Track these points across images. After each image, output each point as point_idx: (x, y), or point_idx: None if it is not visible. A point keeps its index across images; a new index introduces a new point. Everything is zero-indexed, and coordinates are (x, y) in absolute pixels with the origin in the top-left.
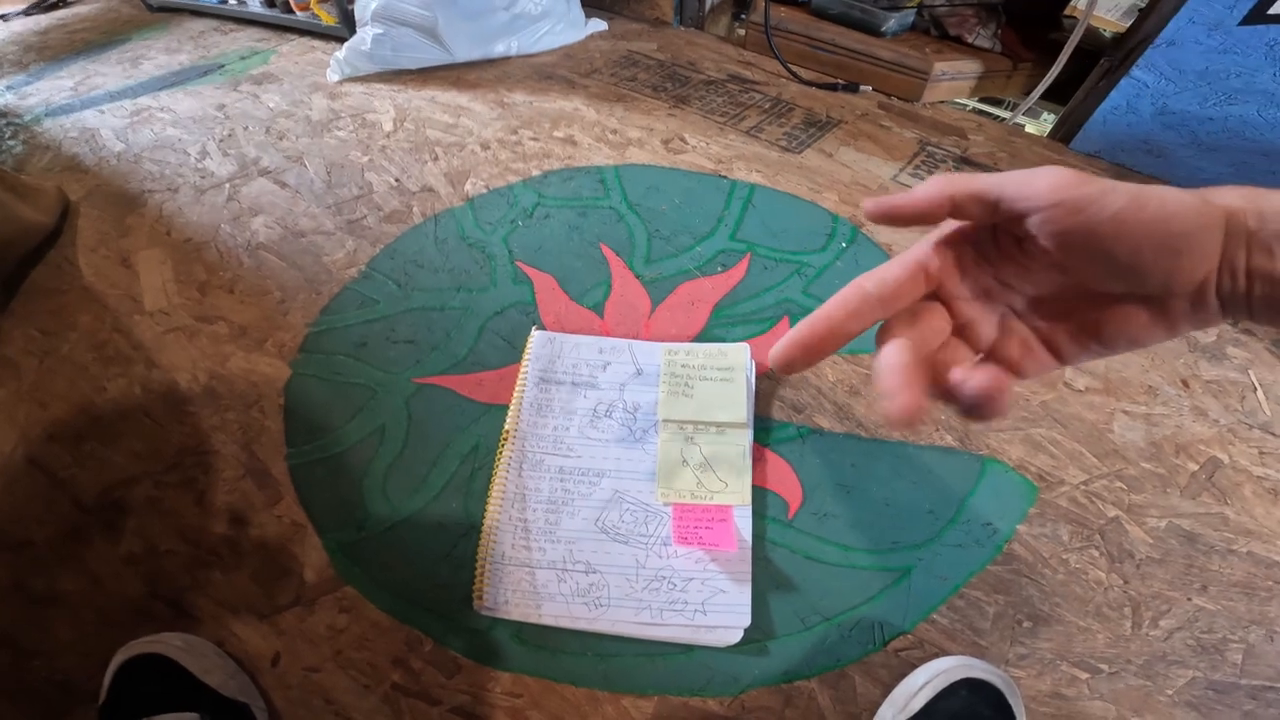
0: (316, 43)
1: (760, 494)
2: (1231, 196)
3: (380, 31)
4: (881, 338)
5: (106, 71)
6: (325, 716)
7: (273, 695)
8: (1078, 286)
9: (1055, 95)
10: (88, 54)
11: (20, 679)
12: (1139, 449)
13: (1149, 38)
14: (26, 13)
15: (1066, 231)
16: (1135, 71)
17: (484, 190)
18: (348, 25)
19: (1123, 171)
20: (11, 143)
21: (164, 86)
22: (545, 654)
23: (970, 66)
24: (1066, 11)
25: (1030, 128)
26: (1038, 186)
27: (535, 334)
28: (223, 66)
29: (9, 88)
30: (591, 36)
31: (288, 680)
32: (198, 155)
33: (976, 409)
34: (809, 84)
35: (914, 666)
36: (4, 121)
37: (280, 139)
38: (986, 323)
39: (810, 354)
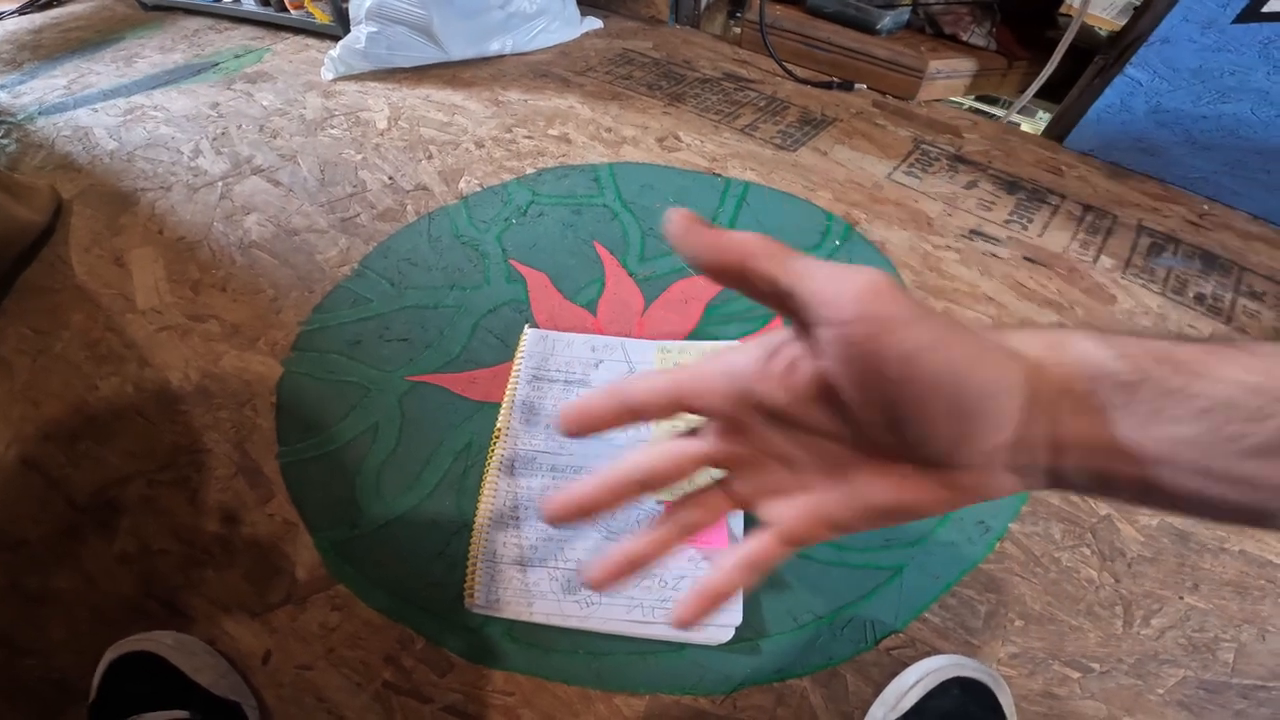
0: (311, 41)
1: None
2: (1035, 345)
3: (375, 30)
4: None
5: (100, 70)
6: (317, 714)
7: (264, 693)
8: (857, 446)
9: (1050, 94)
10: (82, 52)
11: (14, 677)
12: None
13: (1143, 36)
14: (21, 11)
15: (857, 355)
16: (1129, 69)
17: (478, 188)
18: (342, 23)
19: (1117, 170)
20: (4, 141)
21: (157, 85)
22: (537, 652)
23: (965, 65)
24: (1061, 10)
25: (1026, 126)
26: (844, 294)
27: (528, 332)
28: (216, 65)
29: (2, 86)
30: (587, 34)
31: (279, 678)
32: (191, 154)
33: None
34: (804, 82)
35: (906, 665)
36: None
37: (274, 137)
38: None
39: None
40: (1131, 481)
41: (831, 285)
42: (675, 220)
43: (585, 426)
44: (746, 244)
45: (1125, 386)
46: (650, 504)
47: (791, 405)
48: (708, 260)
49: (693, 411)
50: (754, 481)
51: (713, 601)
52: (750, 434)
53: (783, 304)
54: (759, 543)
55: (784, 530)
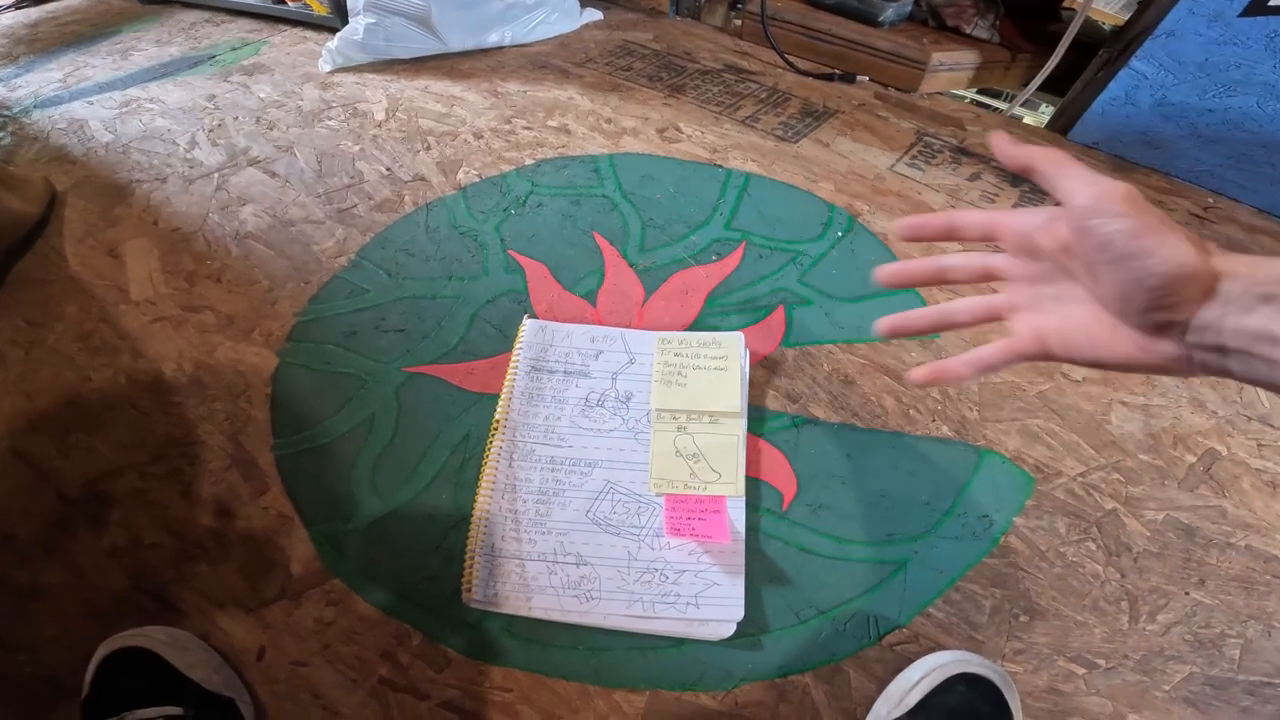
0: (308, 33)
1: (754, 485)
2: (1229, 260)
3: (373, 21)
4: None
5: (96, 63)
6: (312, 711)
7: (259, 689)
8: (1083, 292)
9: (1053, 87)
10: (78, 46)
11: (4, 673)
12: (1137, 440)
13: (1148, 29)
14: (17, 6)
15: (1081, 229)
16: (1134, 63)
17: (476, 179)
18: (340, 15)
19: (1121, 163)
20: (0, 134)
21: (154, 78)
22: (536, 647)
23: (968, 57)
24: (1065, 3)
25: (1028, 119)
26: (1084, 191)
27: (527, 322)
28: (213, 57)
29: None
30: (586, 26)
31: (274, 674)
32: (186, 145)
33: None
34: (805, 74)
35: (909, 661)
36: None
37: (270, 129)
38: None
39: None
40: None
41: (1079, 183)
42: (999, 135)
43: (918, 235)
44: (1036, 152)
45: None
46: (651, 496)
47: (1049, 250)
48: (1012, 163)
49: (995, 238)
50: (1014, 298)
51: (941, 377)
52: (1023, 267)
53: (1049, 189)
54: (992, 349)
55: (1014, 340)
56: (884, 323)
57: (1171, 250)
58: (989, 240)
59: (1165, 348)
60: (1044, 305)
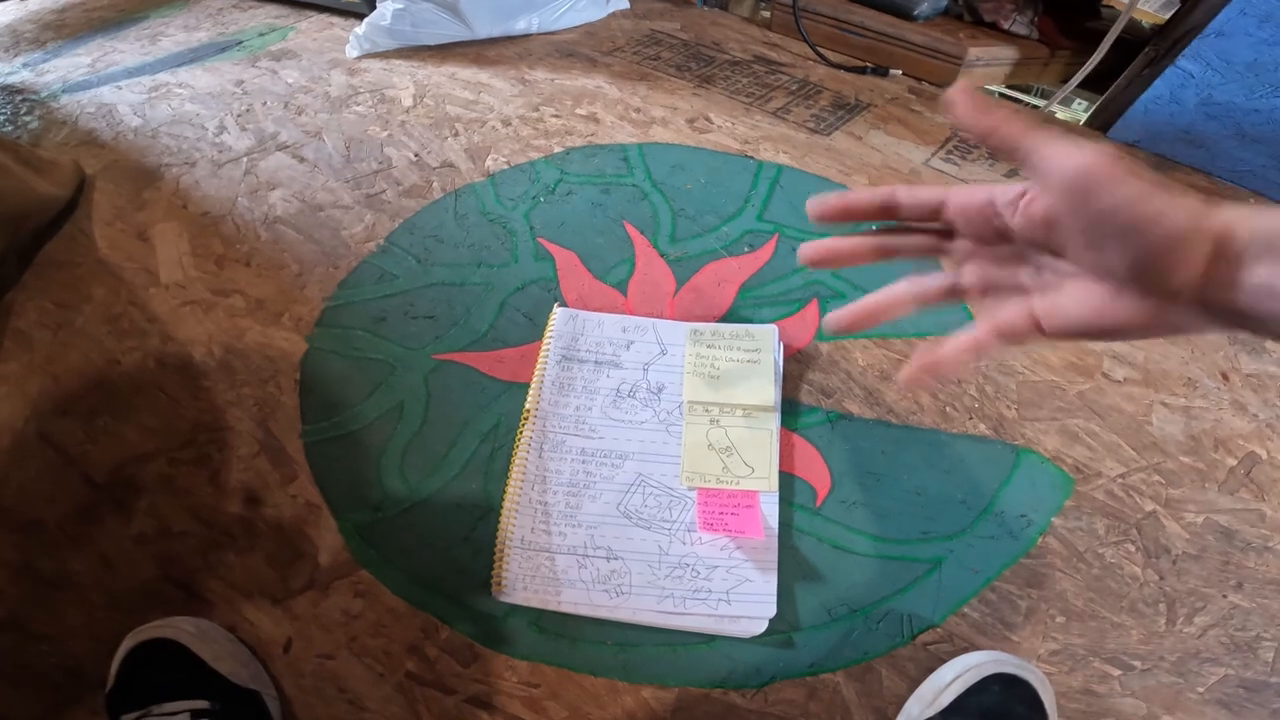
0: (335, 19)
1: (787, 480)
2: (1234, 214)
3: (400, 7)
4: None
5: (124, 48)
6: (338, 705)
7: (284, 682)
8: (1070, 266)
9: (1089, 84)
10: (105, 31)
11: (28, 663)
12: (1178, 442)
13: (1197, 28)
14: None
15: (1075, 201)
16: (1181, 61)
17: (505, 166)
18: (367, 1)
19: (1163, 162)
20: (28, 118)
21: (182, 63)
22: (564, 642)
23: (1005, 53)
24: (1105, 0)
25: (1061, 114)
26: (1070, 161)
27: (557, 311)
28: (241, 43)
29: (26, 65)
30: (613, 15)
31: (300, 667)
32: (215, 130)
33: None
34: (837, 66)
35: (943, 661)
36: (20, 98)
37: (299, 114)
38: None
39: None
40: None
41: (1058, 152)
42: (957, 89)
43: (844, 215)
44: (1000, 118)
45: None
46: (683, 490)
47: (1024, 228)
48: (970, 123)
49: (944, 216)
50: (985, 277)
51: (934, 370)
52: (987, 245)
53: (1018, 159)
54: (977, 331)
55: (1000, 322)
56: (831, 319)
57: (1179, 212)
58: (939, 214)
59: (1177, 309)
60: (1023, 283)
